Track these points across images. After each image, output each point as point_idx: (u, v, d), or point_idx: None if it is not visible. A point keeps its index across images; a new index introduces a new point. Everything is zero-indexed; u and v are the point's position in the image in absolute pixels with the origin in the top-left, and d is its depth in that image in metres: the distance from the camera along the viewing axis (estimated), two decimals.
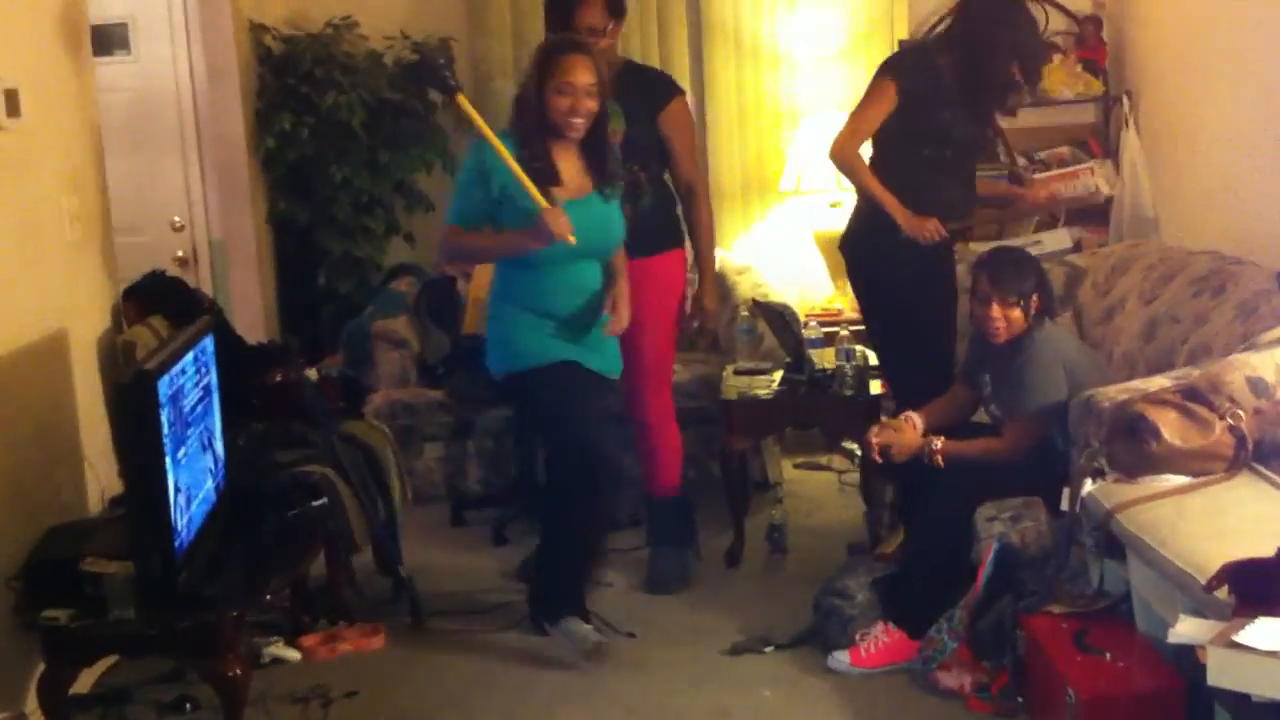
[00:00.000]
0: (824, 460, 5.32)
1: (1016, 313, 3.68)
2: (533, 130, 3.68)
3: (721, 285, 5.28)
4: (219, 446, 3.67)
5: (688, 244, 4.39)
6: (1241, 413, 3.42)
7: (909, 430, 3.69)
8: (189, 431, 3.31)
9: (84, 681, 3.47)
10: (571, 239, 3.56)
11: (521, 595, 4.13)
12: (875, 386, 4.39)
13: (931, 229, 3.96)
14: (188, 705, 3.54)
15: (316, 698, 3.58)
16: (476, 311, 5.10)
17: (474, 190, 3.72)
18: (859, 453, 4.48)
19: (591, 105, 3.65)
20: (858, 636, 3.62)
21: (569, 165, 3.74)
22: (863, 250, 4.26)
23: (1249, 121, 4.46)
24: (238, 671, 3.18)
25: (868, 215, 4.14)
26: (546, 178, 3.65)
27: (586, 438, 3.71)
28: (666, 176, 4.29)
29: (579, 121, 3.65)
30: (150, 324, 4.12)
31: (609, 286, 3.84)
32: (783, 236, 5.85)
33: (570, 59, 3.62)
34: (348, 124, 5.43)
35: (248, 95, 5.55)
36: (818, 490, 5.12)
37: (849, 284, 4.69)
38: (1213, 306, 4.02)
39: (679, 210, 4.36)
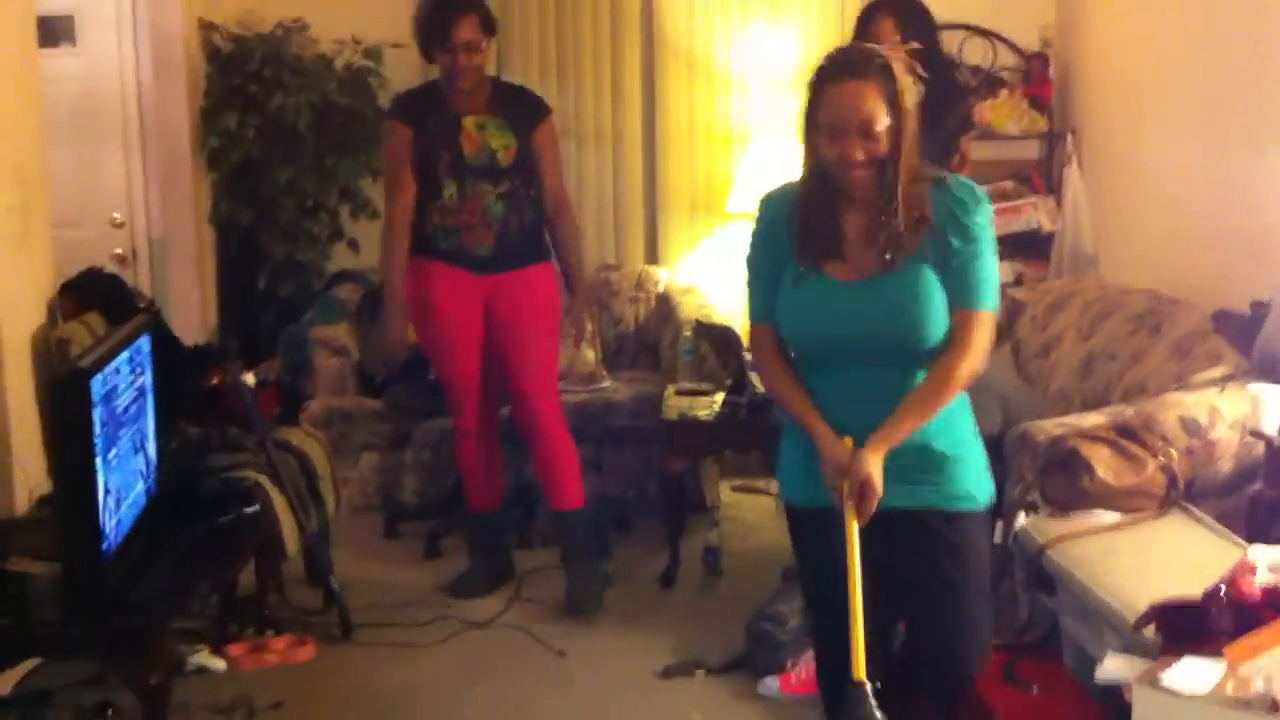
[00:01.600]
0: (761, 484, 5.33)
1: None
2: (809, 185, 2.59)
3: (598, 297, 5.55)
4: (152, 449, 3.61)
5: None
6: (1174, 452, 3.47)
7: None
8: (121, 432, 3.26)
9: (4, 683, 3.41)
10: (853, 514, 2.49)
11: (452, 609, 4.10)
12: None
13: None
14: (109, 711, 3.48)
15: (240, 708, 3.53)
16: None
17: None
18: None
19: (878, 150, 2.47)
20: (789, 663, 3.63)
21: (851, 228, 2.56)
22: None
23: (1190, 162, 4.53)
24: (161, 679, 3.13)
25: None
26: (827, 249, 2.56)
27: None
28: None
29: (860, 174, 2.49)
30: (86, 321, 4.07)
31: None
32: (728, 257, 5.86)
33: (839, 86, 2.51)
34: (294, 126, 5.38)
35: (194, 93, 5.49)
36: (755, 514, 5.12)
37: None
38: (1149, 345, 4.08)
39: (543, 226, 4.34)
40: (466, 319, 4.20)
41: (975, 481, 2.61)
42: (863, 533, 2.47)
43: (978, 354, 2.52)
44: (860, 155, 2.46)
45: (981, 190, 2.56)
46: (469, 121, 4.14)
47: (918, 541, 2.57)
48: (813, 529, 2.64)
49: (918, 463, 2.54)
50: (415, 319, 4.26)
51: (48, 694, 3.54)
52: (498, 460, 4.45)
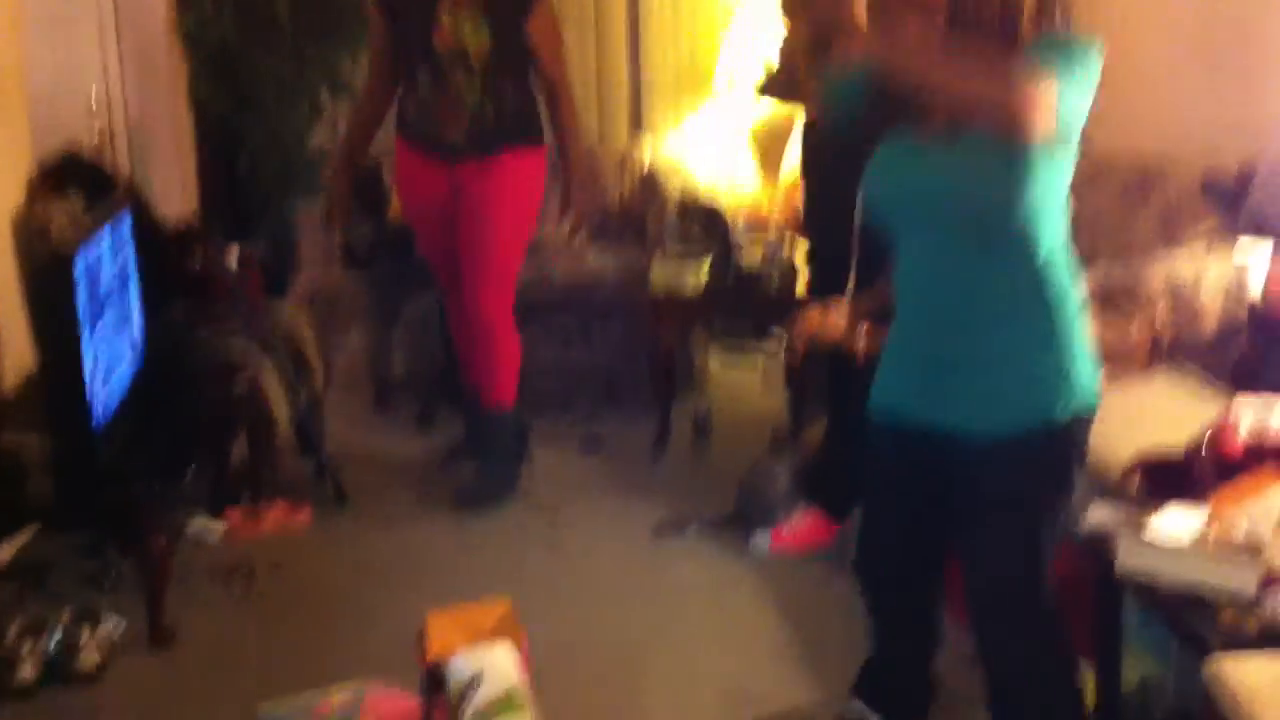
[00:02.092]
0: (750, 351, 5.35)
1: None
2: None
3: (596, 180, 5.29)
4: (137, 325, 3.61)
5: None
6: (1159, 312, 3.49)
7: (834, 318, 3.51)
8: (105, 309, 3.27)
9: (2, 554, 3.45)
10: None
11: (446, 478, 4.15)
12: (801, 286, 4.41)
13: None
14: (111, 574, 3.52)
15: (240, 572, 3.57)
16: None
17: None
18: (785, 344, 4.52)
19: None
20: (779, 518, 3.68)
21: None
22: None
23: (1181, 24, 4.48)
24: (160, 547, 3.17)
25: None
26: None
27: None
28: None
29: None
30: (65, 201, 4.03)
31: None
32: (715, 133, 5.81)
33: None
34: (272, 11, 5.28)
35: None
36: (743, 381, 5.15)
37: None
38: (1136, 209, 4.08)
39: (537, 109, 4.17)
40: (435, 200, 4.08)
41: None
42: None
43: (999, 84, 2.09)
44: None
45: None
46: (444, 13, 3.96)
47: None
48: (878, 436, 2.55)
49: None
50: (399, 196, 4.23)
51: (47, 564, 3.58)
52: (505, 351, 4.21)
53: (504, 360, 4.13)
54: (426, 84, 4.00)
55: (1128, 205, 4.15)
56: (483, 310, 4.06)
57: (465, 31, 3.97)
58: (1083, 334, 2.33)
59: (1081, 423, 2.35)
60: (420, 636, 2.61)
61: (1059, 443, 2.33)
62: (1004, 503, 2.35)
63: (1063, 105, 2.12)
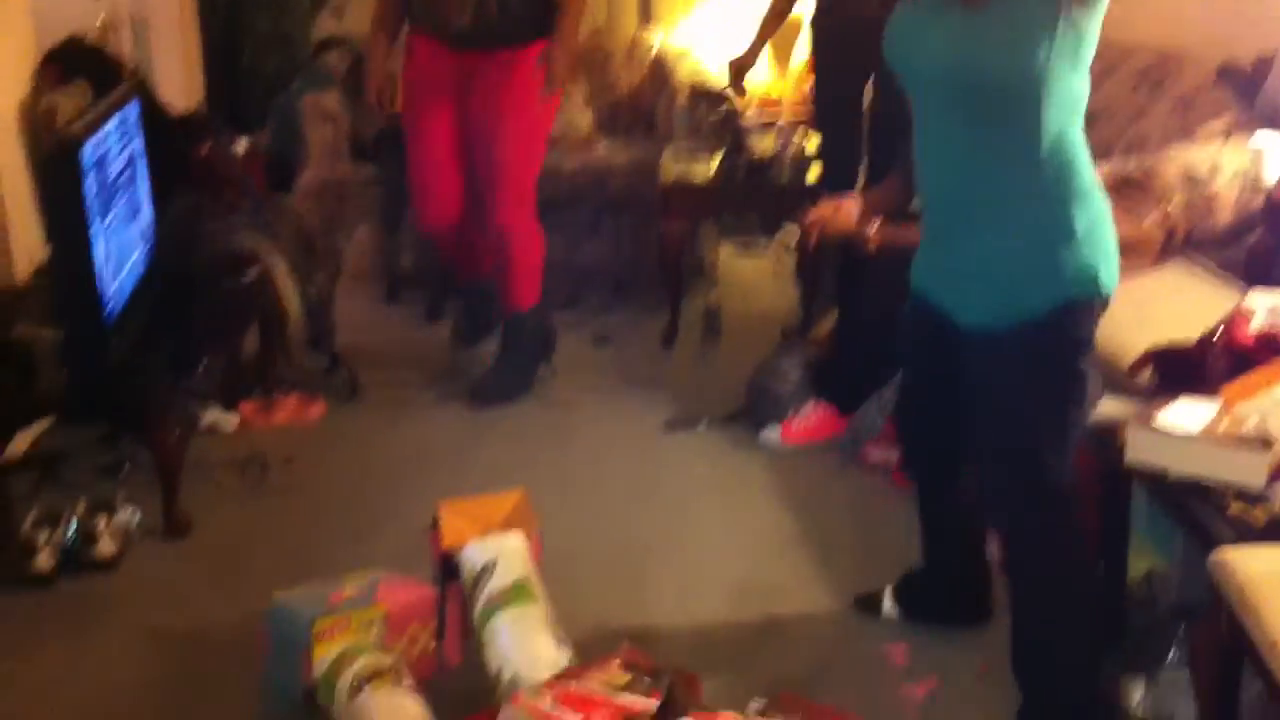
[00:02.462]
0: (760, 246, 5.34)
1: None
2: None
3: (594, 61, 5.28)
4: (147, 216, 3.60)
5: None
6: (1174, 203, 3.46)
7: (845, 211, 3.44)
8: (115, 199, 3.25)
9: (18, 445, 3.47)
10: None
11: (458, 369, 4.15)
12: (813, 175, 4.38)
13: None
14: (125, 465, 3.56)
15: (253, 464, 3.61)
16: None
17: None
18: (795, 238, 4.50)
19: None
20: (789, 413, 3.70)
21: None
22: None
23: None
24: (173, 438, 3.19)
25: None
26: None
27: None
28: None
29: None
30: (72, 90, 3.99)
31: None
32: (725, 20, 5.73)
33: None
34: None
35: None
36: (753, 276, 5.14)
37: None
38: (1151, 101, 4.02)
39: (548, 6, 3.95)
40: (440, 89, 3.95)
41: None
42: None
43: None
44: None
45: None
46: None
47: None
48: (909, 310, 2.56)
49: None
50: (404, 88, 4.11)
51: (62, 455, 3.61)
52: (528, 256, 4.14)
53: (522, 265, 4.07)
54: None
55: (1143, 96, 4.10)
56: (498, 215, 3.99)
57: None
58: (1093, 224, 2.31)
59: (1085, 312, 2.34)
60: (434, 525, 2.64)
61: (1059, 332, 2.32)
62: (1004, 391, 2.36)
63: None
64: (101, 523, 3.08)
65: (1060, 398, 2.37)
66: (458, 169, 4.04)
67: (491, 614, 2.49)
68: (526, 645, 2.43)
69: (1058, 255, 2.28)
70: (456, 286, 4.48)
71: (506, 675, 2.35)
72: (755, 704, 2.29)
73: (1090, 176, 2.30)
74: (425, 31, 3.98)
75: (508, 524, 2.64)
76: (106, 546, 3.07)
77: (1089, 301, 2.33)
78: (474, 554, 2.56)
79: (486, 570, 2.54)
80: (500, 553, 2.55)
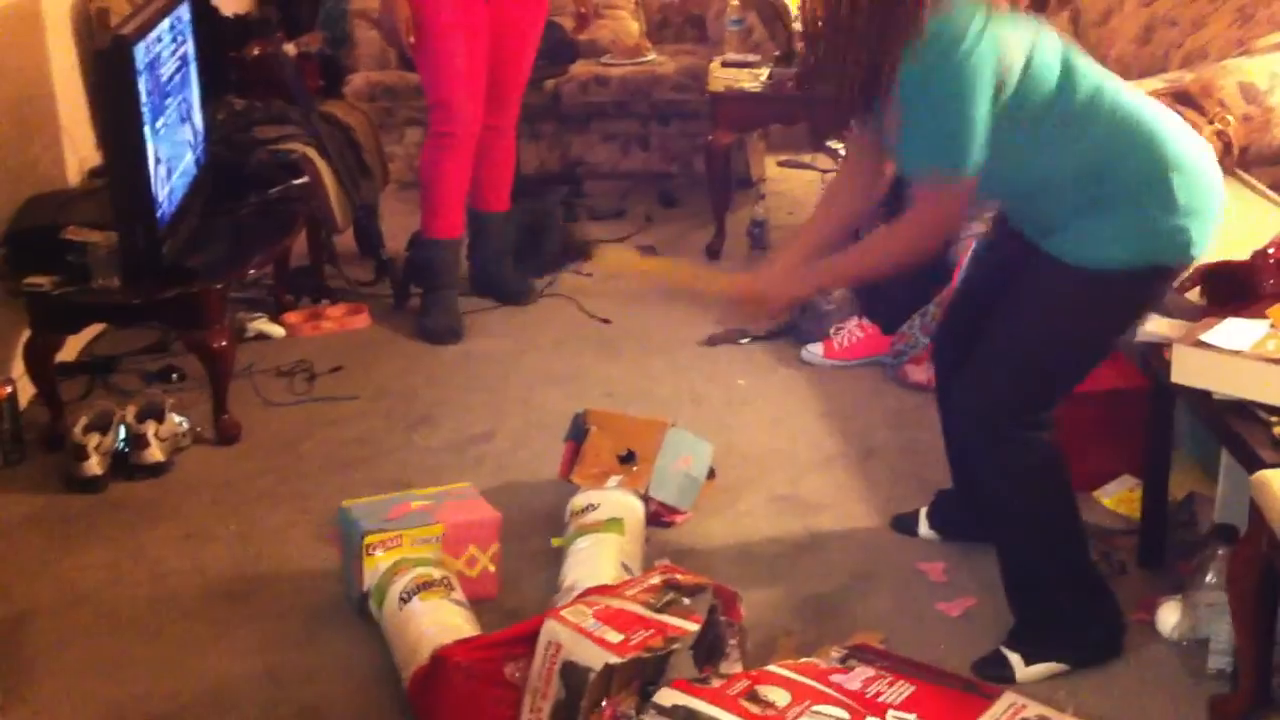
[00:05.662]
0: (808, 159, 5.28)
1: None
2: None
3: None
4: (198, 119, 3.61)
5: None
6: (1230, 118, 3.39)
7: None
8: (167, 101, 3.25)
9: (70, 350, 3.53)
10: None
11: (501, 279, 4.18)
12: None
13: None
14: (174, 375, 3.61)
15: (301, 370, 3.65)
16: None
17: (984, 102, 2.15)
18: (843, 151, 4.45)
19: None
20: (832, 330, 3.69)
21: None
22: None
23: None
24: (223, 343, 3.23)
25: None
26: None
27: None
28: None
29: None
30: None
31: None
32: None
33: None
34: None
35: None
36: (800, 189, 5.10)
37: None
38: (1211, 11, 3.94)
39: None
40: (473, 13, 3.82)
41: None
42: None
43: (903, 235, 2.26)
44: None
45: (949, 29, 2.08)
46: None
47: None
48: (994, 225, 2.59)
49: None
50: (421, 8, 3.79)
51: (114, 359, 3.67)
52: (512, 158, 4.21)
53: (512, 168, 4.18)
54: None
55: (1201, 5, 4.01)
56: (511, 129, 4.08)
57: None
58: (1185, 177, 2.24)
59: (1165, 276, 2.34)
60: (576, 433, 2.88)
61: (1131, 289, 2.31)
62: (1039, 309, 2.32)
63: (968, 142, 2.11)
64: (151, 429, 3.12)
65: (1086, 347, 2.37)
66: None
67: (579, 535, 2.62)
68: (599, 564, 2.51)
69: (1148, 217, 2.24)
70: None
71: (574, 587, 2.41)
72: (836, 653, 2.30)
73: (1156, 126, 2.24)
74: None
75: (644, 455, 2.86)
76: (156, 452, 3.12)
77: (1175, 267, 2.33)
78: (584, 496, 2.74)
79: (592, 507, 2.69)
80: (608, 500, 2.72)
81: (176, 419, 3.23)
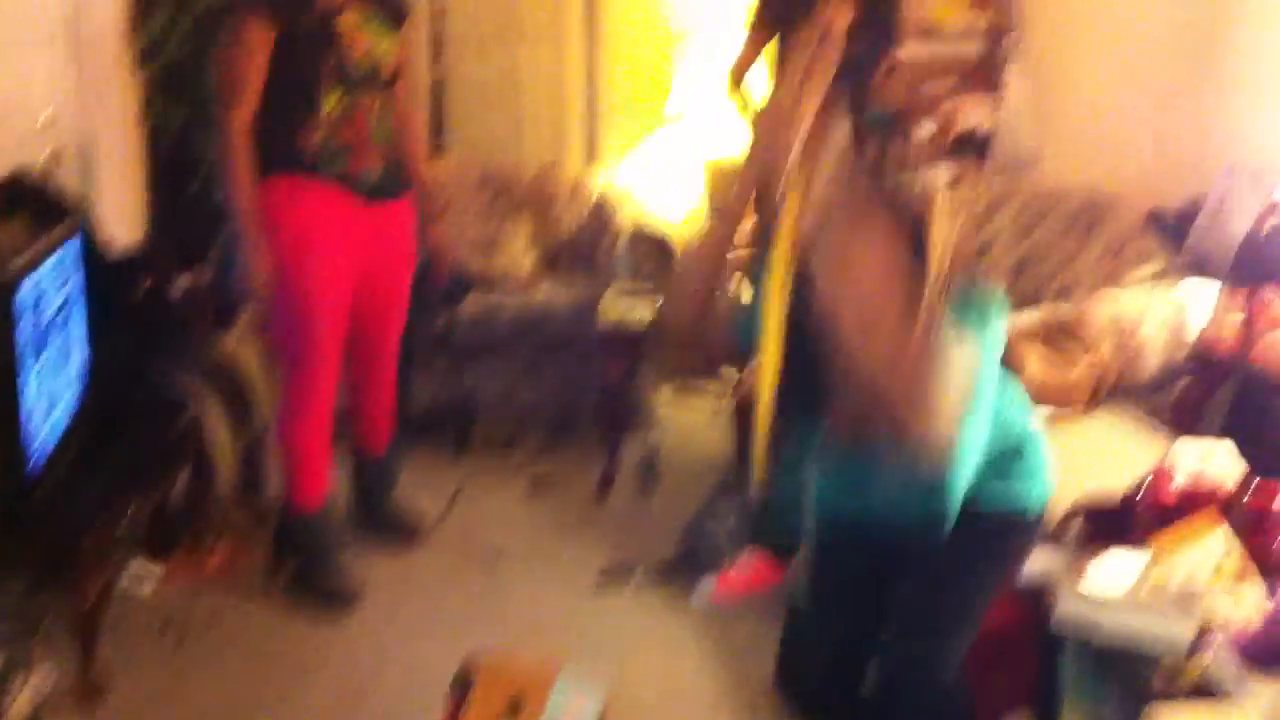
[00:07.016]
0: (700, 389, 5.33)
1: None
2: None
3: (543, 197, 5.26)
4: (81, 358, 3.56)
5: None
6: (1104, 349, 3.50)
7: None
8: (49, 341, 3.21)
9: None
10: None
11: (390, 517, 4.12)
12: None
13: None
14: (44, 623, 3.44)
15: (176, 621, 3.52)
16: None
17: None
18: (735, 382, 4.50)
19: None
20: (726, 562, 3.66)
21: None
22: None
23: (1131, 58, 4.51)
24: (95, 591, 3.11)
25: None
26: None
27: None
28: None
29: None
30: (9, 228, 3.97)
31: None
32: (670, 161, 5.80)
33: None
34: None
35: None
36: (696, 417, 5.11)
37: None
38: (1082, 245, 4.10)
39: None
40: (348, 248, 3.60)
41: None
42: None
43: None
44: None
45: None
46: (347, 19, 3.52)
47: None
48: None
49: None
50: (281, 251, 3.56)
51: None
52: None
53: (393, 406, 4.01)
54: (334, 110, 3.51)
55: (1073, 240, 4.17)
56: (392, 372, 3.94)
57: (374, 37, 3.55)
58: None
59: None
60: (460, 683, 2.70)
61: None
62: (954, 575, 2.31)
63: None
64: (18, 681, 2.97)
65: (991, 594, 2.36)
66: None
67: None
68: None
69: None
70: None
71: None
72: None
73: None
74: (323, 182, 3.56)
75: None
76: (21, 708, 2.96)
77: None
78: None
79: None
80: None
81: (45, 670, 3.06)
